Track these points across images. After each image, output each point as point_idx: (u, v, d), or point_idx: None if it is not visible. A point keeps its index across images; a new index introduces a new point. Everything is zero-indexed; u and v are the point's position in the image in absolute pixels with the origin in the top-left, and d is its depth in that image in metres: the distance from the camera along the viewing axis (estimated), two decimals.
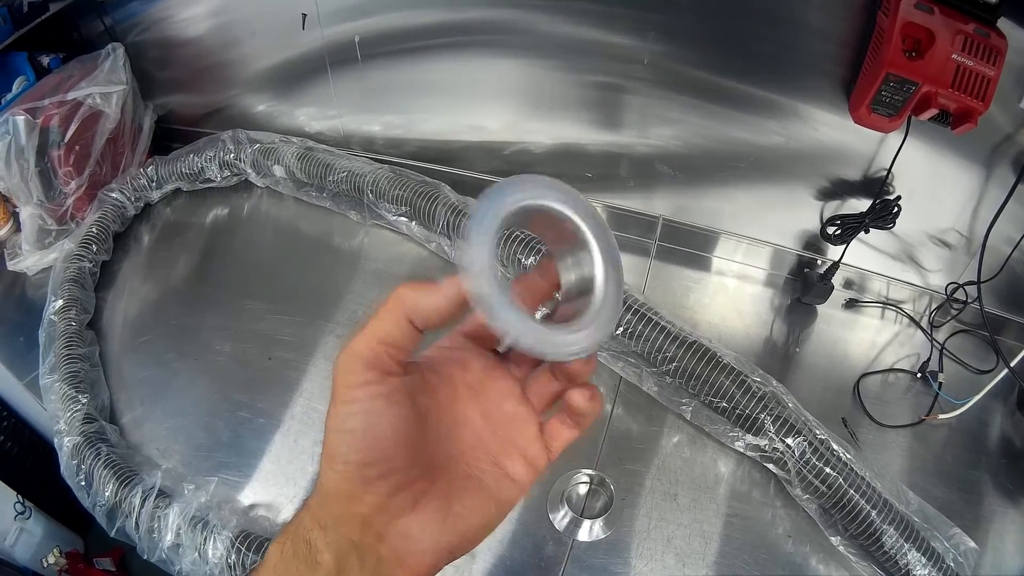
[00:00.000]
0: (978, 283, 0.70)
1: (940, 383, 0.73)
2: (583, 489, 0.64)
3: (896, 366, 0.76)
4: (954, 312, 0.79)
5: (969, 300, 0.76)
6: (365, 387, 0.25)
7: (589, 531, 0.61)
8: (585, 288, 0.27)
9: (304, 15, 0.82)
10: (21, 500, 0.94)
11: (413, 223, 0.82)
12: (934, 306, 0.80)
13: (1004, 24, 0.60)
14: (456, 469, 0.28)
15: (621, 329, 0.66)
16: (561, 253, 0.28)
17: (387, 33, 0.81)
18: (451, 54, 0.80)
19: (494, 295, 0.24)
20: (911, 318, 0.81)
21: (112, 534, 0.65)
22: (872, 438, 0.70)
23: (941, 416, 0.71)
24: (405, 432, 0.25)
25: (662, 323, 0.65)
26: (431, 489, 0.26)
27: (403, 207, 0.82)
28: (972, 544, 0.59)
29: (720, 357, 0.63)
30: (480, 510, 0.28)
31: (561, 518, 0.61)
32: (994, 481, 0.69)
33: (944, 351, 0.77)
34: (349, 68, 0.86)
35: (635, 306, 0.66)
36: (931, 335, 0.79)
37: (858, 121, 0.67)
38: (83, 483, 0.67)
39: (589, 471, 0.64)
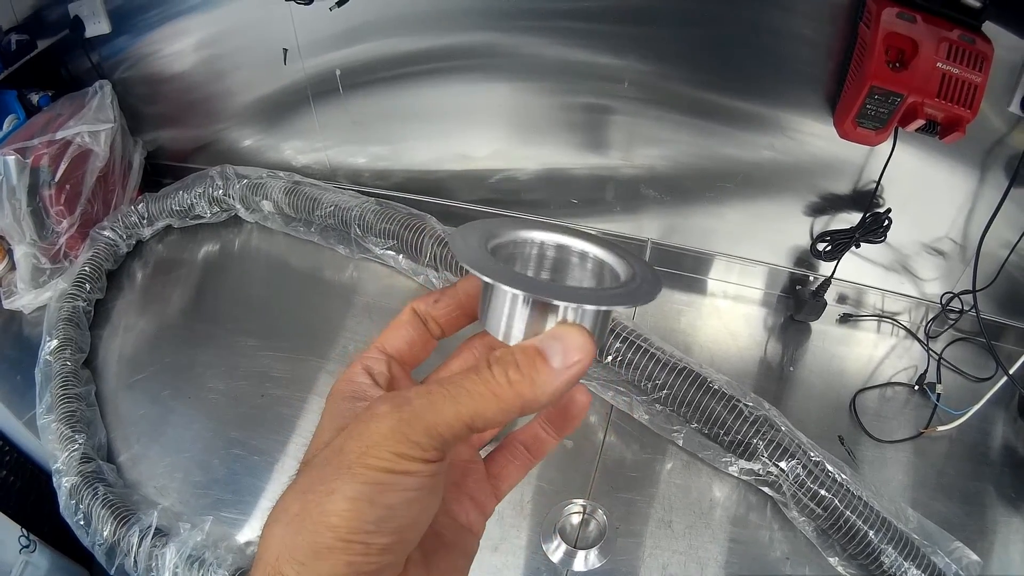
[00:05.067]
0: (974, 291, 0.69)
1: (939, 395, 0.72)
2: (576, 519, 0.64)
3: (893, 380, 0.75)
4: (951, 322, 0.78)
5: (966, 309, 0.75)
6: (426, 464, 0.20)
7: (584, 561, 0.61)
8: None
9: (285, 50, 0.82)
10: (26, 534, 0.94)
11: (400, 256, 0.82)
12: (930, 316, 0.79)
13: (989, 28, 0.59)
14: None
15: (611, 358, 0.65)
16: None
17: (368, 63, 0.81)
18: (433, 81, 0.80)
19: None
20: (907, 330, 0.80)
21: (112, 573, 0.66)
22: (871, 455, 0.69)
23: (940, 428, 0.70)
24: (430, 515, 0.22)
25: (651, 350, 0.64)
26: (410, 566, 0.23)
27: (390, 240, 0.82)
28: (975, 557, 0.58)
29: (711, 382, 0.63)
30: (454, 570, 0.25)
31: (554, 549, 0.61)
32: (997, 491, 0.68)
33: (942, 361, 0.76)
34: (332, 100, 0.86)
35: (623, 333, 0.66)
36: (928, 346, 0.78)
37: (844, 136, 0.66)
38: (82, 522, 0.67)
39: (582, 501, 0.64)
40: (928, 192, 0.72)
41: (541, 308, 0.22)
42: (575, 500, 0.64)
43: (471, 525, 0.26)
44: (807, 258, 0.80)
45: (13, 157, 0.83)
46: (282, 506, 0.20)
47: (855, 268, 0.78)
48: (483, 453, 0.29)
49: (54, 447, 0.71)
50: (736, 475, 0.64)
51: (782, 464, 0.60)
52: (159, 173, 1.04)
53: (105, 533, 0.65)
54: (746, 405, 0.62)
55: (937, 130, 0.61)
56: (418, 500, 0.20)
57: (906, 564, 0.56)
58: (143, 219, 0.95)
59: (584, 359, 0.21)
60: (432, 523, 0.23)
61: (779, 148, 0.73)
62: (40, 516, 0.98)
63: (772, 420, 0.62)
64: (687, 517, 0.63)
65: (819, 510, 0.59)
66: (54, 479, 0.70)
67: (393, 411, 0.20)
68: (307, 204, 0.86)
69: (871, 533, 0.57)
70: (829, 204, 0.75)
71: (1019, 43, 0.59)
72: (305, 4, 0.74)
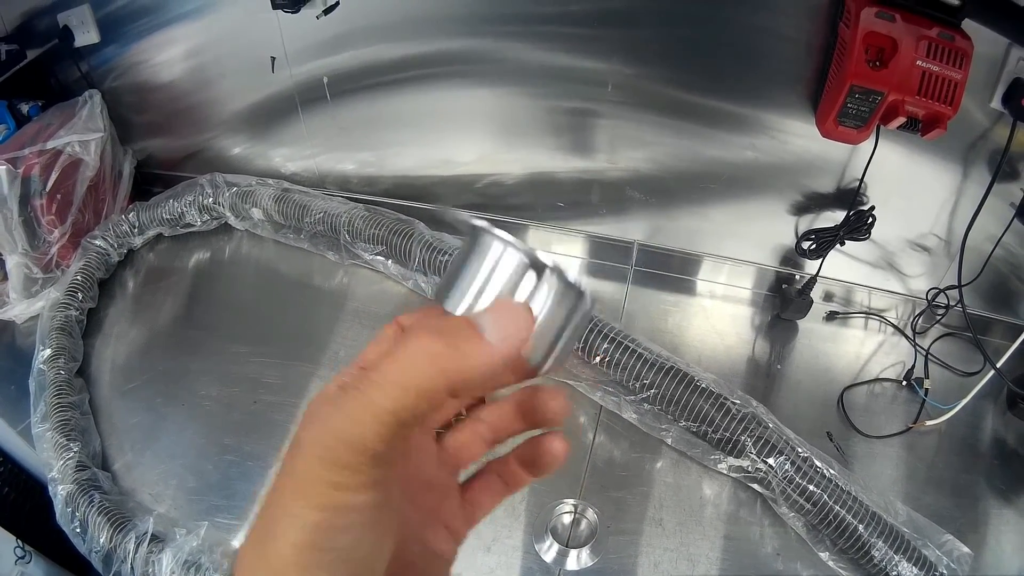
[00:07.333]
0: (959, 286, 0.70)
1: (926, 390, 0.73)
2: (567, 519, 0.64)
3: (881, 376, 0.76)
4: (937, 317, 0.78)
5: (952, 304, 0.76)
6: (365, 490, 0.19)
7: (576, 560, 0.61)
8: None
9: (273, 58, 0.83)
10: (21, 545, 0.94)
11: (389, 261, 0.83)
12: (917, 312, 0.80)
13: (968, 26, 0.59)
14: (393, 559, 0.22)
15: (599, 358, 0.66)
16: None
17: (355, 70, 0.82)
18: (420, 87, 0.81)
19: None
20: (894, 326, 0.81)
21: None
22: (860, 450, 0.70)
23: (929, 423, 0.71)
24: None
25: (639, 350, 0.65)
26: None
27: (379, 246, 0.82)
28: (965, 550, 0.58)
29: (699, 381, 0.63)
30: None
31: (547, 549, 0.62)
32: (988, 483, 0.69)
33: (929, 357, 0.76)
34: (320, 107, 0.87)
35: (611, 334, 0.66)
36: (915, 342, 0.78)
37: (826, 135, 0.67)
38: (78, 530, 0.67)
39: (573, 500, 0.64)
40: (911, 189, 0.73)
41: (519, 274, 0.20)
42: (566, 500, 0.64)
43: (444, 552, 0.25)
44: (793, 257, 0.80)
45: (4, 167, 0.83)
46: (249, 538, 0.20)
47: (841, 266, 0.79)
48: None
49: (49, 456, 0.71)
50: (725, 472, 0.65)
51: (770, 460, 0.60)
52: (149, 182, 1.04)
53: (102, 540, 0.65)
54: (734, 403, 0.63)
55: (919, 127, 0.62)
56: (367, 532, 0.19)
57: (897, 557, 0.56)
58: (134, 228, 0.96)
59: (518, 332, 0.20)
60: (404, 552, 0.23)
61: (762, 148, 0.73)
62: (35, 527, 0.98)
63: (760, 417, 0.63)
64: (678, 515, 0.64)
65: (808, 505, 0.59)
66: (50, 487, 0.70)
67: (315, 441, 0.18)
68: (296, 211, 0.87)
69: (860, 527, 0.57)
70: (813, 203, 0.76)
71: (999, 39, 0.60)
72: (292, 12, 0.75)
